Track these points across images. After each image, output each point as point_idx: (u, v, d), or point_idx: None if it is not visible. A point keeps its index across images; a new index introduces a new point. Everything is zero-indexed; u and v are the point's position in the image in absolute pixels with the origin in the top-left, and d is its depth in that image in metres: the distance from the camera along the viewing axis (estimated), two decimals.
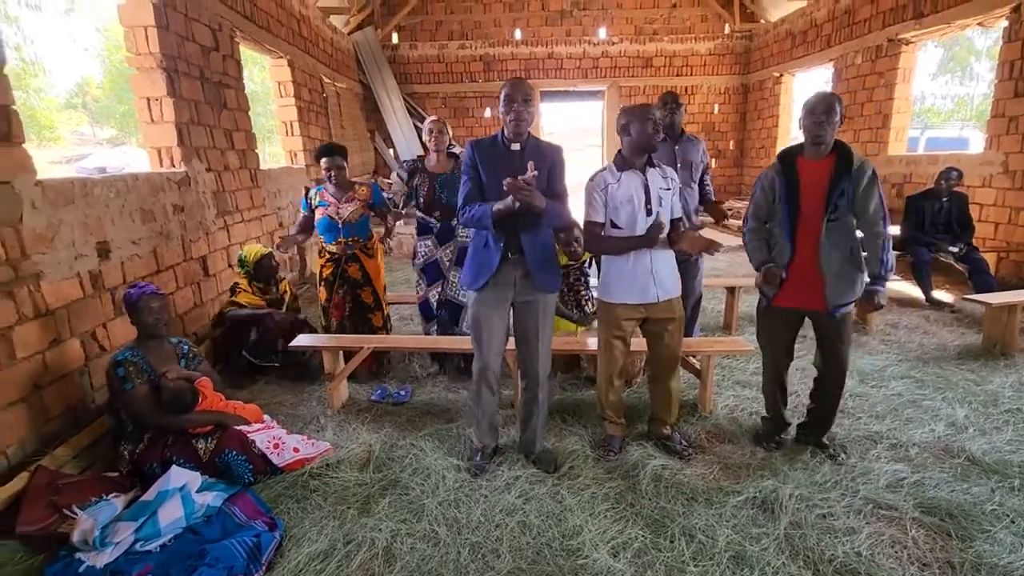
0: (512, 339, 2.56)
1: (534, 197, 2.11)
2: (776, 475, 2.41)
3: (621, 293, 2.46)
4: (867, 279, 2.36)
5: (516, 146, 2.29)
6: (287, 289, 4.03)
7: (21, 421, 2.48)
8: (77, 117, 21.66)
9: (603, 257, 2.53)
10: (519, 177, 2.07)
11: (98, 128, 22.14)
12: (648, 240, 2.33)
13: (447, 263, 3.43)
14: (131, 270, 3.30)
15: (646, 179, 2.38)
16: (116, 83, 18.30)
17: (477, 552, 2.02)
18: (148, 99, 3.99)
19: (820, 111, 2.24)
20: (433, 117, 3.41)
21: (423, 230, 3.49)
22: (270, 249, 3.92)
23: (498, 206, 2.17)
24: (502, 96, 2.24)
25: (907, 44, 6.52)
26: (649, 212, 2.37)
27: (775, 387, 2.65)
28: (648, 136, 2.31)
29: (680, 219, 2.52)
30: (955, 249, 4.70)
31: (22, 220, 2.51)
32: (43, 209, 2.64)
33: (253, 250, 3.84)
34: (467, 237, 3.40)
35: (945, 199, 4.86)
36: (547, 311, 2.44)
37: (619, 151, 2.45)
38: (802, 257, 2.36)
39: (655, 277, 2.42)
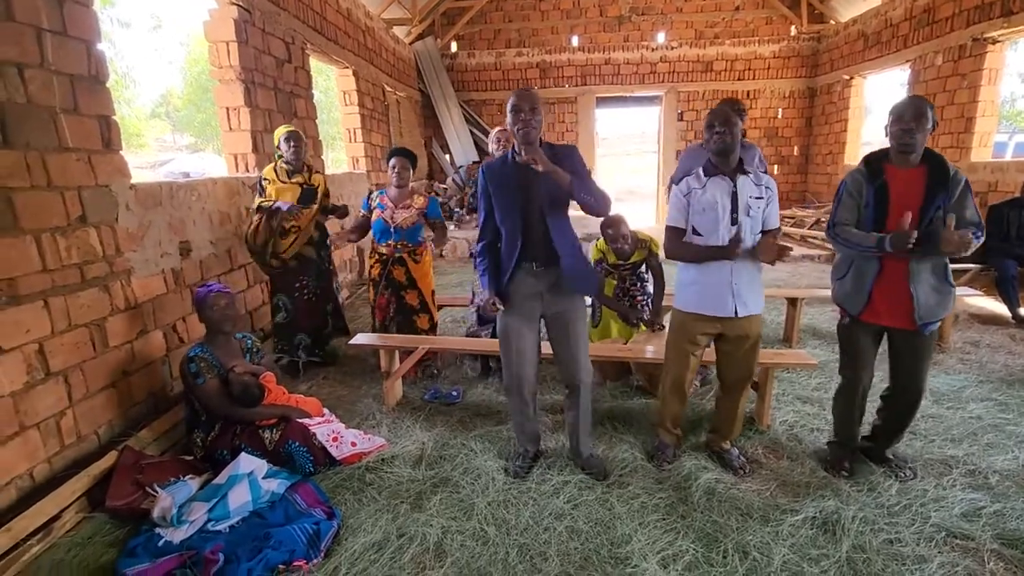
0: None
1: (548, 167, 2.11)
2: (838, 495, 2.30)
3: (696, 303, 2.36)
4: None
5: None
6: (321, 184, 3.69)
7: (111, 404, 2.71)
8: (160, 125, 23.37)
9: (679, 263, 2.45)
10: (531, 161, 2.10)
11: (178, 135, 23.80)
12: (726, 252, 2.21)
13: None
14: (209, 269, 3.55)
15: (735, 186, 2.26)
16: (195, 93, 19.62)
17: (525, 553, 2.04)
18: (228, 109, 4.27)
19: (909, 117, 2.08)
20: (500, 127, 3.47)
21: None
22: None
23: (478, 301, 2.25)
24: (508, 107, 2.19)
25: (994, 43, 6.08)
26: (734, 221, 2.24)
27: (853, 410, 2.49)
28: (714, 140, 2.23)
29: (777, 229, 2.34)
30: None
31: (117, 220, 2.76)
32: (135, 211, 2.88)
33: (278, 130, 3.64)
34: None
35: None
36: (578, 320, 2.41)
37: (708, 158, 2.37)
38: (890, 272, 2.21)
39: (734, 290, 2.28)
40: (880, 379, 2.51)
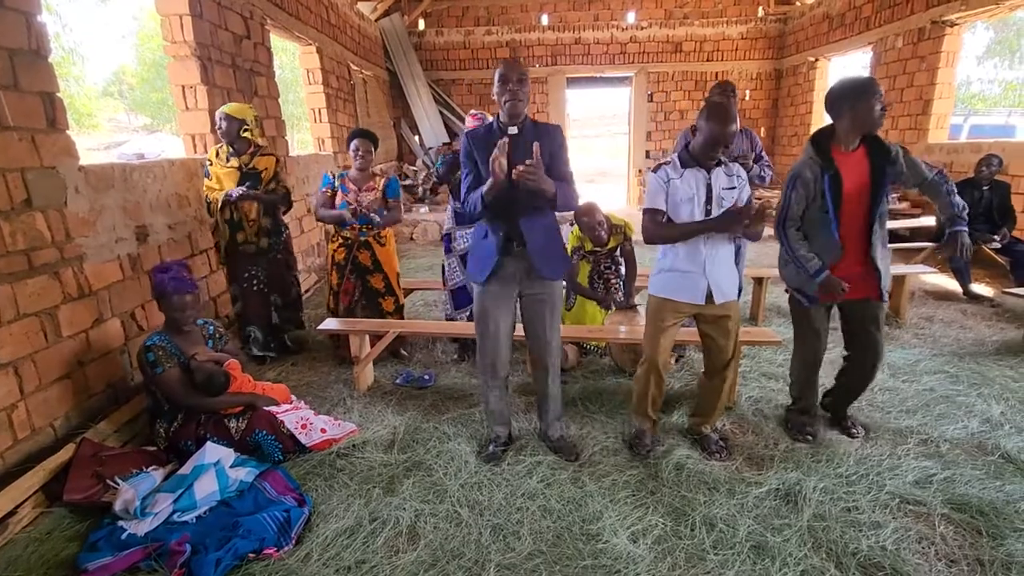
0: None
1: (541, 181, 2.04)
2: (800, 467, 2.38)
3: (670, 290, 2.34)
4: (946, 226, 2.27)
5: (513, 129, 2.19)
6: (270, 167, 3.46)
7: (67, 396, 2.60)
8: (114, 105, 22.29)
9: (660, 248, 2.39)
10: (524, 162, 2.00)
11: (133, 116, 22.75)
12: (721, 223, 2.16)
13: None
14: (168, 253, 3.42)
15: (709, 178, 2.24)
16: (149, 71, 18.71)
17: (498, 533, 2.05)
18: (183, 87, 4.09)
19: (881, 94, 2.10)
20: (475, 112, 3.42)
21: (463, 220, 3.50)
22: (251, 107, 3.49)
23: (483, 189, 2.12)
24: (495, 77, 2.15)
25: (952, 26, 6.24)
26: (708, 213, 2.24)
27: (814, 376, 2.62)
28: (728, 136, 2.15)
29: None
30: (997, 237, 4.52)
31: (66, 204, 2.62)
32: (86, 194, 2.74)
33: (227, 108, 3.38)
34: (465, 244, 3.47)
35: (986, 187, 4.67)
36: (554, 303, 2.41)
37: (685, 146, 2.31)
38: (852, 253, 2.28)
39: (709, 277, 2.27)
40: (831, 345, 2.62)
